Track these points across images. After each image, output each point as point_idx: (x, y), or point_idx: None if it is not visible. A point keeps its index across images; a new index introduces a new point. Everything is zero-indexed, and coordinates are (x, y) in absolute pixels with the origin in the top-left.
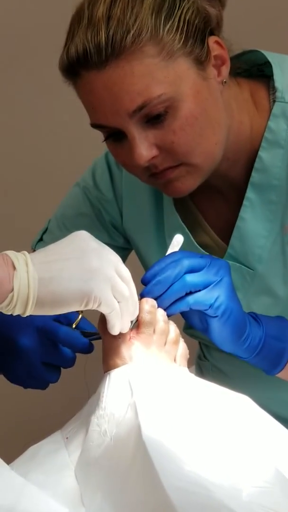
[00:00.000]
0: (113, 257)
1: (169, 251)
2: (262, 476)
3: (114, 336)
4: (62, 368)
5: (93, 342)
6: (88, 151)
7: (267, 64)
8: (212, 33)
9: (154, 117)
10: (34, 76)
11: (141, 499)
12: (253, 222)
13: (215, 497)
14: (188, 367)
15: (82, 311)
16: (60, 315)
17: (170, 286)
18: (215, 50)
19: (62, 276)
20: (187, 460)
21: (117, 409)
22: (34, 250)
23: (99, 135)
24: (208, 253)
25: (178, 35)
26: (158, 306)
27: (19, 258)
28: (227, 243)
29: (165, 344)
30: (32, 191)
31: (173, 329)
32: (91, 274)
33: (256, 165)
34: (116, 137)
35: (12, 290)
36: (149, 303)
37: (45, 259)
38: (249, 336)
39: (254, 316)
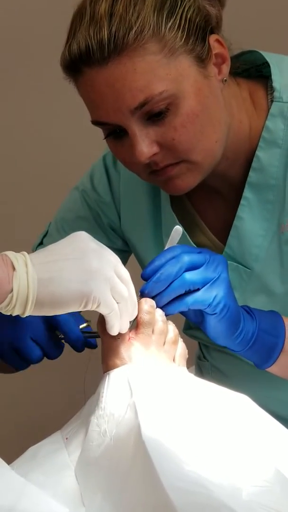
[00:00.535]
0: (112, 258)
1: (168, 244)
2: (262, 475)
3: (113, 337)
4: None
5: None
6: (88, 154)
7: (266, 65)
8: (212, 31)
9: (155, 114)
10: (33, 80)
11: (141, 499)
12: (250, 221)
13: (215, 496)
14: (188, 367)
15: (89, 320)
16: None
17: (170, 284)
18: (215, 48)
19: (61, 276)
20: (187, 459)
21: (116, 409)
22: None
23: (99, 138)
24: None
25: (179, 33)
26: (157, 305)
27: (19, 258)
28: (224, 243)
29: (164, 344)
30: (32, 193)
31: (172, 329)
32: (91, 275)
33: (253, 164)
34: (116, 134)
35: (12, 290)
36: (148, 303)
37: (45, 260)
38: (243, 331)
39: (248, 310)
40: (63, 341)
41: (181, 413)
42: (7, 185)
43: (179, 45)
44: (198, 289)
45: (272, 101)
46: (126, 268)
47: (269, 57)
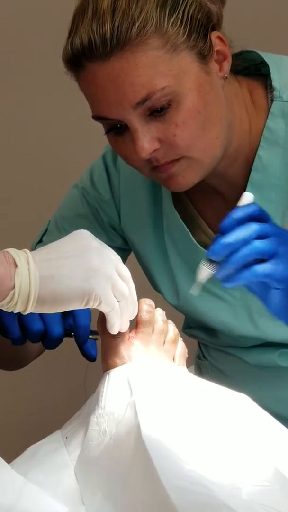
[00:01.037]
0: (113, 256)
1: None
2: (262, 474)
3: (113, 336)
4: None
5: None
6: (88, 152)
7: (264, 63)
8: (213, 28)
9: (156, 110)
10: (33, 78)
11: (141, 498)
12: None
13: (215, 495)
14: (188, 367)
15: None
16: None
17: (238, 249)
18: (217, 45)
19: (63, 274)
20: (187, 459)
21: (116, 408)
22: None
23: (98, 136)
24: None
25: (182, 29)
26: (222, 272)
27: (21, 255)
28: None
29: (164, 343)
30: (32, 191)
31: (172, 328)
32: (92, 273)
33: (255, 164)
34: (117, 130)
35: (13, 287)
36: (148, 302)
37: (46, 257)
38: None
39: None
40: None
41: (181, 412)
42: (7, 184)
43: (181, 41)
44: (264, 260)
45: (272, 100)
46: (126, 267)
47: (267, 57)
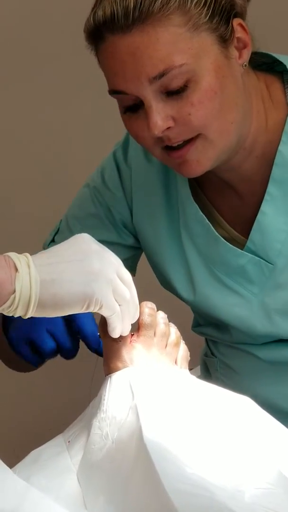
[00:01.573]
0: (114, 260)
1: None
2: (265, 477)
3: (115, 339)
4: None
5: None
6: (97, 151)
7: (277, 63)
8: (236, 16)
9: (173, 90)
10: (49, 77)
11: (143, 502)
12: (274, 216)
13: (217, 499)
14: (194, 367)
15: None
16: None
17: None
18: (238, 32)
19: (63, 278)
20: (189, 462)
21: (118, 412)
22: None
23: (109, 134)
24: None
25: (205, 10)
26: None
27: (21, 260)
28: (245, 235)
29: (166, 346)
30: (40, 192)
31: (174, 331)
32: (93, 277)
33: (276, 159)
34: (132, 109)
35: (14, 292)
36: (149, 305)
37: (47, 261)
38: None
39: None
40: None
41: (183, 415)
42: (13, 185)
43: (203, 21)
44: None
45: None
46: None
47: (281, 57)
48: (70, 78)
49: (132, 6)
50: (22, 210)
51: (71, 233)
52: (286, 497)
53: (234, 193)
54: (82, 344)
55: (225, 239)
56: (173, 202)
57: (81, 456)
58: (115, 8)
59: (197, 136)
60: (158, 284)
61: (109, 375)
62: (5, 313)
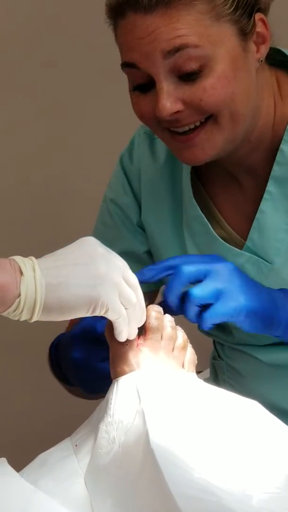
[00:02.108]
0: (121, 263)
1: None
2: (273, 482)
3: (121, 343)
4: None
5: None
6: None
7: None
8: (258, 11)
9: (187, 74)
10: (38, 87)
11: (150, 507)
12: (273, 215)
13: (225, 503)
14: (202, 370)
15: None
16: None
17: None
18: (259, 26)
19: (69, 281)
20: (196, 466)
21: (125, 416)
22: None
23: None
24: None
25: (230, 1)
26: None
27: (26, 263)
28: (243, 236)
29: (173, 350)
30: (36, 197)
31: (181, 335)
32: (99, 280)
33: (278, 158)
34: (142, 89)
35: (19, 295)
36: (156, 309)
37: (52, 265)
38: (281, 320)
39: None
40: None
41: (190, 419)
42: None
43: (226, 12)
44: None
45: None
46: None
47: None
48: (72, 85)
49: None
50: (24, 213)
51: None
52: None
53: (237, 187)
54: None
55: (224, 239)
56: (177, 200)
57: (89, 459)
58: None
59: (207, 120)
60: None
61: (115, 379)
62: (11, 317)
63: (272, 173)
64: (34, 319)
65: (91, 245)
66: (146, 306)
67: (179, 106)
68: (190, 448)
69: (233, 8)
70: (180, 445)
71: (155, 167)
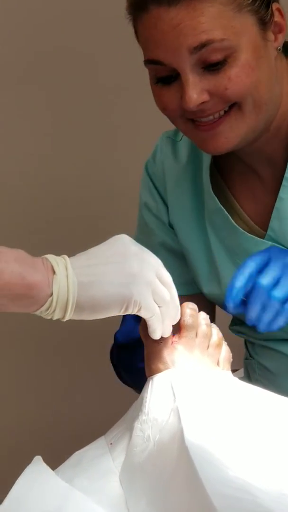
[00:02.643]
0: (154, 261)
1: None
2: None
3: (156, 341)
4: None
5: None
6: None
7: None
8: (275, 0)
9: (211, 65)
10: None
11: (185, 504)
12: None
13: (260, 502)
14: (237, 369)
15: None
16: None
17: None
18: (276, 16)
19: (102, 280)
20: (231, 465)
21: (160, 414)
22: None
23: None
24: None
25: None
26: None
27: (59, 262)
28: (263, 227)
29: (208, 347)
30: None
31: (216, 332)
32: (131, 278)
33: None
34: (165, 81)
35: (52, 294)
36: (191, 306)
37: (85, 263)
38: None
39: None
40: None
41: (225, 417)
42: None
43: (247, 3)
44: None
45: None
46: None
47: None
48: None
49: None
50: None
51: None
52: None
53: (256, 178)
54: None
55: (244, 230)
56: (199, 196)
57: (123, 458)
58: None
59: (232, 108)
60: None
61: (150, 377)
62: (43, 316)
63: None
64: (67, 318)
65: (124, 243)
66: (181, 304)
67: (205, 97)
68: (225, 446)
69: None
70: (215, 443)
71: (178, 167)
